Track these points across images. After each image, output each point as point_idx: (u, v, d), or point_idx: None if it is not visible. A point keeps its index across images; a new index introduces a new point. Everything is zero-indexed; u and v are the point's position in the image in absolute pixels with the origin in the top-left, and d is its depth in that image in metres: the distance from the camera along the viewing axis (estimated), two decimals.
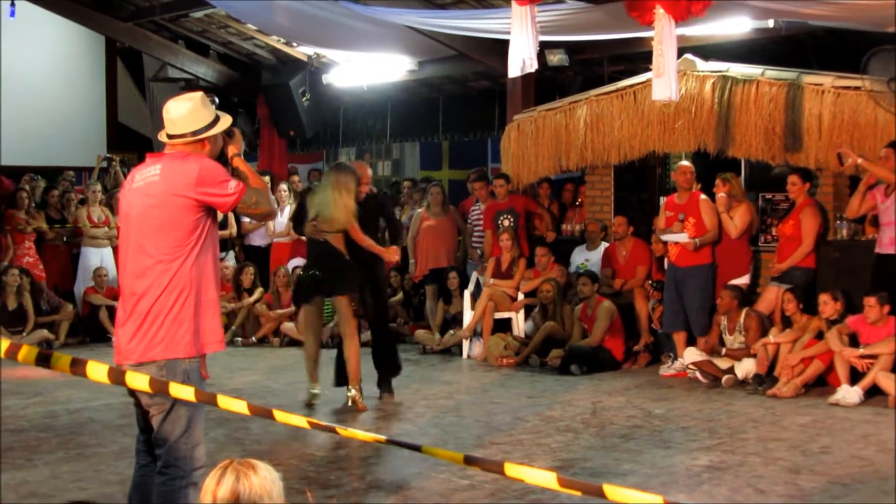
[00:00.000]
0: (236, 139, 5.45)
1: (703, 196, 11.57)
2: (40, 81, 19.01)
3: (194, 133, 5.15)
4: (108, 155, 17.58)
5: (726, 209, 11.43)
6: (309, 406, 9.61)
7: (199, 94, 5.29)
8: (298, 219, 10.11)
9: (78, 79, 20.17)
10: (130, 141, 20.76)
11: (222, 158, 5.32)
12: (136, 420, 5.26)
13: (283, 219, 14.72)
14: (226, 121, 5.29)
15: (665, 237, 11.64)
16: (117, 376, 4.02)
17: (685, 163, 11.87)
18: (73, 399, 9.95)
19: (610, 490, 3.08)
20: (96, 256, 14.73)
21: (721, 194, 11.43)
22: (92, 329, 14.20)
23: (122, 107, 20.95)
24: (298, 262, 14.85)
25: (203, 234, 5.06)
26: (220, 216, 5.37)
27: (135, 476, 5.29)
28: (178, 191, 4.97)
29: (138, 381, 4.03)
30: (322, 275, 9.58)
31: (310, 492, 6.82)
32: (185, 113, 5.15)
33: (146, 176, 5.10)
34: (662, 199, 12.29)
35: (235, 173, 5.32)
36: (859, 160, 10.11)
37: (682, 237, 11.42)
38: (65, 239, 14.95)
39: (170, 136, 5.18)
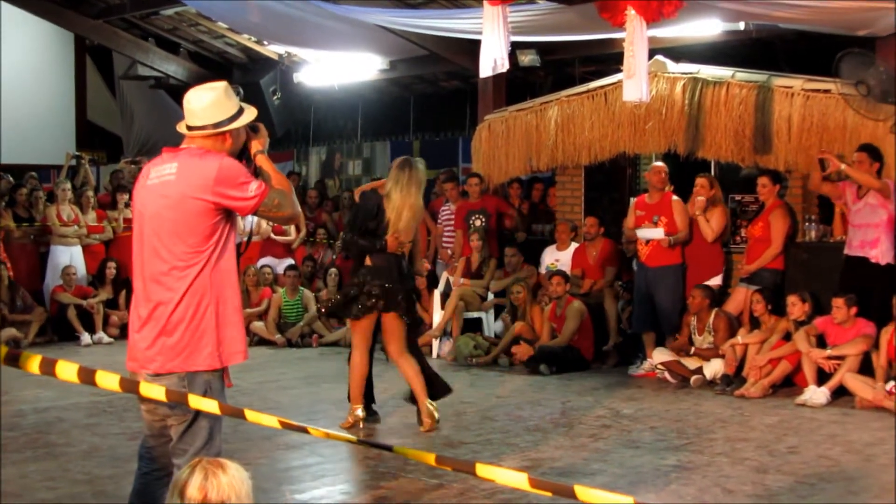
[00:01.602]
0: (261, 134, 5.09)
1: (675, 197, 11.61)
2: (8, 79, 18.90)
3: (215, 125, 4.83)
4: (77, 153, 17.46)
5: (703, 212, 11.47)
6: (353, 427, 8.65)
7: (223, 84, 4.97)
8: (363, 228, 8.74)
9: (47, 76, 20.08)
10: (100, 139, 20.69)
11: (245, 154, 5.00)
12: (144, 425, 5.02)
13: (250, 217, 14.65)
14: (250, 113, 4.98)
15: (640, 233, 11.64)
16: (131, 386, 3.99)
17: (659, 163, 11.90)
18: (41, 398, 9.88)
19: (581, 491, 3.08)
20: (65, 255, 14.62)
21: (701, 198, 11.46)
22: (60, 328, 14.11)
23: (92, 105, 20.87)
24: (269, 261, 14.84)
25: (222, 238, 4.78)
26: (240, 220, 5.09)
27: (136, 482, 5.09)
28: (195, 192, 4.68)
29: (155, 391, 4.03)
30: (390, 291, 8.50)
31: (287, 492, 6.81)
32: (206, 103, 4.85)
33: (161, 174, 4.80)
34: (633, 200, 12.30)
35: (257, 172, 4.99)
36: (842, 166, 10.14)
37: (658, 233, 11.44)
38: (32, 237, 14.83)
39: (189, 128, 4.87)
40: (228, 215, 4.81)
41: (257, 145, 5.05)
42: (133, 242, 4.94)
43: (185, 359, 4.72)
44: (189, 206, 4.69)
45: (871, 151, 10.26)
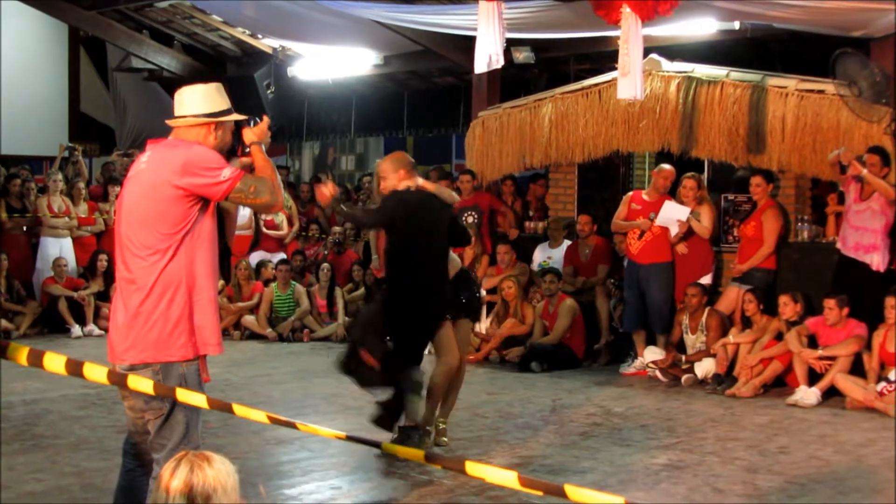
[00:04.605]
0: (261, 126, 5.03)
1: (672, 199, 11.57)
2: (2, 70, 18.82)
3: (198, 115, 4.85)
4: (70, 144, 17.40)
5: (679, 241, 11.46)
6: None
7: (216, 83, 4.99)
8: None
9: (40, 68, 20.01)
10: (93, 131, 20.61)
11: (239, 142, 4.97)
12: (126, 422, 5.03)
13: (245, 211, 14.63)
14: (238, 116, 4.98)
15: (664, 211, 11.37)
16: (119, 378, 3.97)
17: (668, 167, 11.74)
18: (29, 390, 9.84)
19: (571, 490, 3.06)
20: (56, 246, 14.58)
21: (691, 196, 11.43)
22: (51, 320, 14.07)
23: (85, 96, 20.80)
24: (262, 255, 14.80)
25: (194, 226, 4.72)
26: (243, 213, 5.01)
27: (121, 479, 5.08)
28: (163, 178, 4.66)
29: (142, 385, 4.05)
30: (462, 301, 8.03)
31: (262, 487, 6.79)
32: (195, 95, 4.88)
33: (139, 164, 4.84)
34: (629, 193, 12.19)
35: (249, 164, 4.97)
36: (864, 171, 10.06)
37: (684, 211, 11.36)
38: (24, 229, 14.79)
39: (175, 117, 4.91)
40: (202, 203, 4.77)
41: (252, 135, 5.00)
42: (115, 235, 4.95)
43: (158, 349, 4.70)
44: (158, 193, 4.68)
45: (883, 154, 10.23)
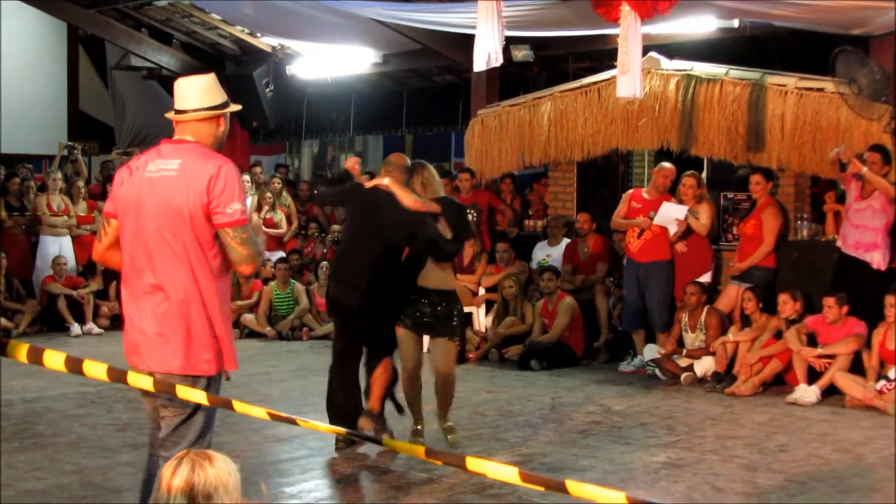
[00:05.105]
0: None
1: (672, 198, 11.57)
2: (1, 69, 18.79)
3: (210, 108, 4.82)
4: (69, 143, 17.39)
5: (678, 240, 11.46)
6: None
7: (211, 74, 4.97)
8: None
9: (39, 66, 19.98)
10: (92, 129, 20.60)
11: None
12: (148, 417, 5.00)
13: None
14: (235, 106, 4.99)
15: (662, 209, 11.40)
16: (119, 375, 3.94)
17: (669, 165, 11.74)
18: (29, 388, 9.85)
19: (572, 486, 3.07)
20: (55, 245, 14.58)
21: (691, 194, 11.42)
22: (50, 318, 14.06)
23: (84, 95, 20.78)
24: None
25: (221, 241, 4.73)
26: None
27: (148, 472, 5.02)
28: (197, 190, 4.61)
29: (142, 381, 4.02)
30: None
31: (264, 485, 6.78)
32: (200, 87, 4.85)
33: (161, 168, 4.72)
34: (628, 192, 12.18)
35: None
36: (864, 169, 10.07)
37: (682, 210, 11.37)
38: (24, 227, 14.79)
39: (180, 112, 4.83)
40: None
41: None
42: (124, 233, 4.83)
43: (186, 362, 4.69)
44: (193, 204, 4.62)
45: (884, 153, 10.22)
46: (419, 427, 8.08)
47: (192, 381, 4.69)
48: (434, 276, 7.81)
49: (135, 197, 4.76)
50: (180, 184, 4.65)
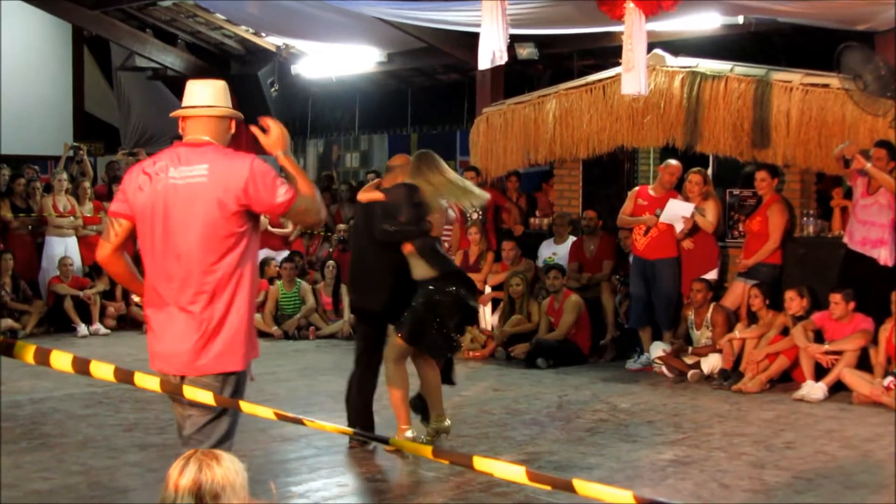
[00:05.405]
0: (277, 135, 4.92)
1: (678, 195, 11.55)
2: (6, 69, 18.79)
3: (228, 108, 4.84)
4: (75, 144, 17.40)
5: (685, 237, 11.44)
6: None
7: (223, 81, 4.95)
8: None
9: (44, 67, 19.99)
10: (97, 130, 20.61)
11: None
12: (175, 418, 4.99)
13: None
14: (240, 115, 4.97)
15: (668, 207, 11.37)
16: (126, 376, 3.93)
17: (675, 162, 11.71)
18: (36, 389, 9.86)
19: (580, 485, 3.06)
20: (61, 245, 14.59)
21: (697, 191, 11.40)
22: (57, 319, 14.07)
23: (89, 96, 20.79)
24: (266, 253, 14.75)
25: (251, 240, 4.75)
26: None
27: None
28: (230, 197, 4.61)
29: (149, 383, 4.04)
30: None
31: (273, 485, 6.79)
32: (215, 87, 4.84)
33: (187, 175, 4.67)
34: (634, 189, 12.15)
35: (283, 174, 4.92)
36: (867, 165, 10.06)
37: (688, 208, 11.35)
38: (30, 228, 14.80)
39: (195, 108, 4.82)
40: (255, 217, 4.78)
41: (277, 146, 4.91)
42: (146, 240, 4.77)
43: (221, 361, 4.71)
44: (225, 210, 4.61)
45: (890, 148, 10.21)
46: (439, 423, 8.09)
47: (223, 379, 4.71)
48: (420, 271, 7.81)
49: (160, 203, 4.69)
50: (214, 189, 4.63)
